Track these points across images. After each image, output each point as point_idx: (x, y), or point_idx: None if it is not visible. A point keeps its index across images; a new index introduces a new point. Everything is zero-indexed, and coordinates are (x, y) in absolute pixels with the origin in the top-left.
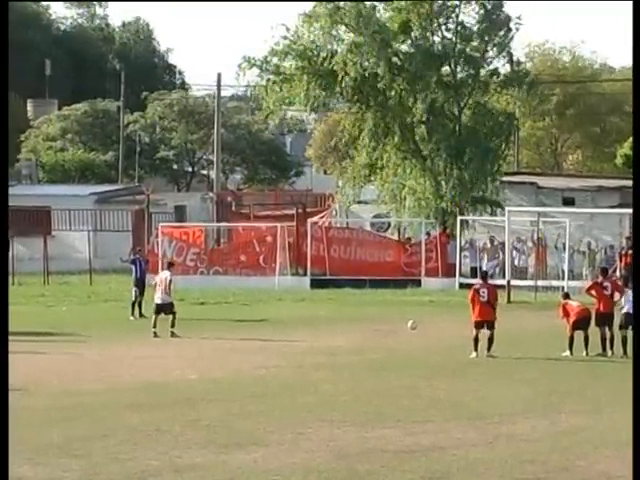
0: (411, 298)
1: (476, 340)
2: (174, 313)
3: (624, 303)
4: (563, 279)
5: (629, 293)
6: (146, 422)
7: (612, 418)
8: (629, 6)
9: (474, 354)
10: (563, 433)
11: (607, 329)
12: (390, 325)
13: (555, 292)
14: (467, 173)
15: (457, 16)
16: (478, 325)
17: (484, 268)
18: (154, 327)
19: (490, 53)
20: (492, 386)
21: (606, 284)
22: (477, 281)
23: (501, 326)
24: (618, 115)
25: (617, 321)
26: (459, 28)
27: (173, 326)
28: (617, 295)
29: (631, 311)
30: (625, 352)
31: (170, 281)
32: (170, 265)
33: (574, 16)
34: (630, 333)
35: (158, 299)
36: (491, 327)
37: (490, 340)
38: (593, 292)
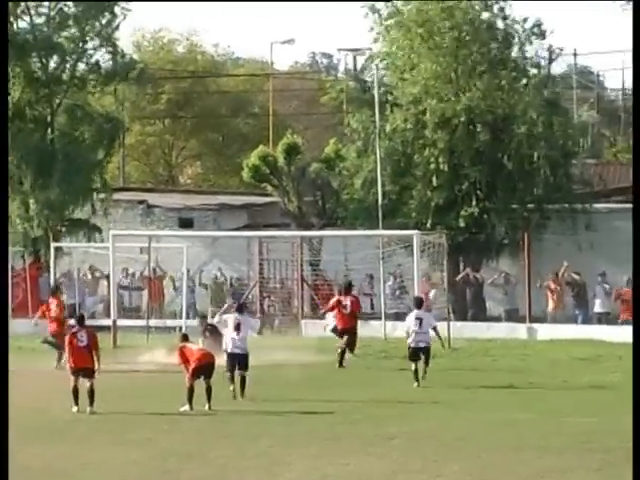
0: None
1: (75, 391)
2: None
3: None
4: (181, 317)
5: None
6: None
7: None
8: None
9: (75, 408)
10: None
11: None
12: None
13: (172, 333)
14: (60, 189)
15: None
16: (75, 372)
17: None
18: None
19: (90, 44)
20: (97, 449)
21: (345, 302)
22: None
23: (105, 376)
24: (243, 118)
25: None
26: (53, 13)
27: None
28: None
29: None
30: None
31: None
32: None
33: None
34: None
35: None
36: (91, 376)
37: (91, 393)
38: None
